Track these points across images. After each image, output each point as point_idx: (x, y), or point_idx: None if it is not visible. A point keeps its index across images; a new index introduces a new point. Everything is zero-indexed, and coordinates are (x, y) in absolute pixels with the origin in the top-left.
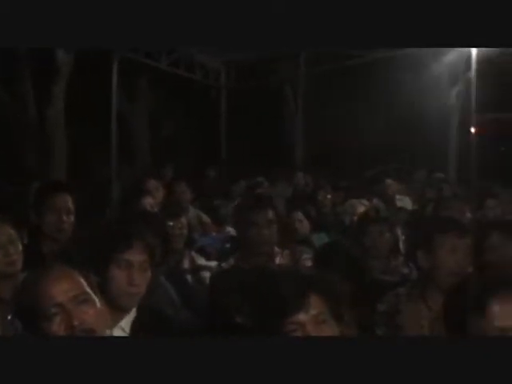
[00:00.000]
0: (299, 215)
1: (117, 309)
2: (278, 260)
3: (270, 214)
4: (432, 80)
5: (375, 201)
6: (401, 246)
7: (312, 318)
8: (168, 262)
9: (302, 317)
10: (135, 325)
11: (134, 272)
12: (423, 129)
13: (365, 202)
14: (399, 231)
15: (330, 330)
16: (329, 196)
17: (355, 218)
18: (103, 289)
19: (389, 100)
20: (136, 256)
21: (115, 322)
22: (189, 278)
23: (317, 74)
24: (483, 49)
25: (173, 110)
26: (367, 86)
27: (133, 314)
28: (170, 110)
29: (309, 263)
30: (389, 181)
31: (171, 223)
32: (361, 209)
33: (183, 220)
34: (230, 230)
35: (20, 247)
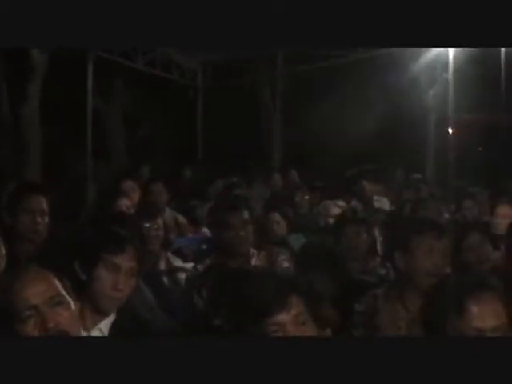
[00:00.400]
0: (276, 216)
1: (96, 311)
2: (254, 261)
3: (246, 214)
4: (410, 80)
5: (353, 202)
6: (378, 246)
7: (292, 319)
8: (144, 264)
9: (282, 317)
10: (114, 327)
11: (120, 277)
12: (401, 129)
13: (340, 202)
14: (377, 232)
15: (310, 330)
16: (306, 197)
17: (329, 219)
18: (86, 288)
19: (366, 101)
20: (126, 261)
21: (94, 323)
22: (165, 279)
23: (295, 74)
24: (460, 49)
25: (149, 109)
26: (345, 86)
27: (112, 316)
28: (147, 110)
29: (285, 264)
30: (365, 182)
31: (147, 224)
32: (335, 210)
33: (159, 221)
34: (207, 231)
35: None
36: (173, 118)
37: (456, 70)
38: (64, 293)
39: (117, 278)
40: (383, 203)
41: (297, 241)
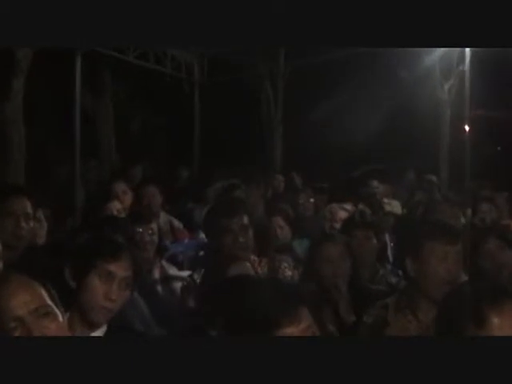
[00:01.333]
0: (279, 220)
1: (86, 322)
2: (255, 269)
3: (245, 219)
4: (423, 73)
5: (361, 205)
6: (389, 253)
7: (302, 332)
8: (138, 273)
9: (291, 330)
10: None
11: (113, 286)
12: (413, 126)
13: (348, 206)
14: (387, 237)
15: None
16: (311, 200)
17: (336, 223)
18: (76, 298)
19: (375, 96)
20: (121, 270)
21: (83, 335)
22: (159, 289)
23: (297, 69)
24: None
25: (141, 106)
26: (352, 80)
27: (103, 328)
28: (139, 107)
29: (289, 272)
30: (375, 183)
31: (140, 229)
32: (342, 214)
33: (153, 226)
34: (204, 237)
35: None
36: (168, 114)
37: (474, 62)
38: (51, 303)
39: (110, 287)
40: (394, 206)
41: (301, 247)
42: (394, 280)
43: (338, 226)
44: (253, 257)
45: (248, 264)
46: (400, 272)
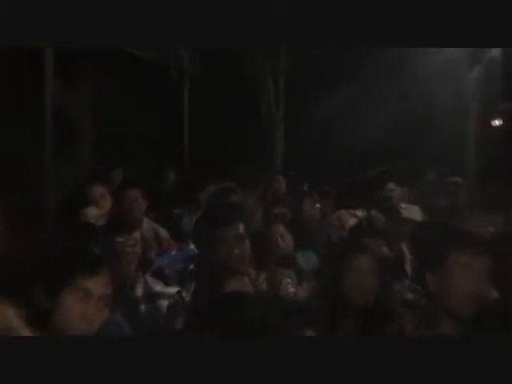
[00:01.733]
0: (280, 229)
1: None
2: (253, 285)
3: (241, 227)
4: (446, 61)
5: (374, 211)
6: (407, 266)
7: None
8: (118, 289)
9: None
10: None
11: (91, 305)
12: (434, 121)
13: (358, 212)
14: (405, 248)
15: None
16: (317, 205)
17: (345, 232)
18: (48, 317)
19: (389, 87)
20: (99, 287)
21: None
22: (143, 307)
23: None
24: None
25: (123, 98)
26: (362, 71)
27: None
28: (119, 99)
29: (291, 289)
30: (391, 185)
31: (121, 239)
32: (352, 221)
33: (136, 235)
34: (194, 248)
35: None
36: (153, 109)
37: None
38: (18, 324)
39: (86, 306)
40: (412, 212)
41: (305, 259)
42: (411, 296)
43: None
44: (251, 270)
45: (247, 279)
46: (419, 288)
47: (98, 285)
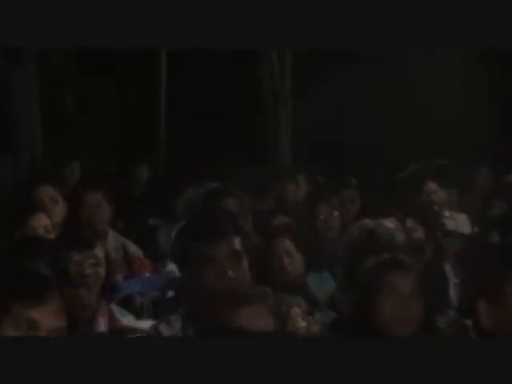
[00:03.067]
0: (287, 244)
1: None
2: (252, 317)
3: (238, 242)
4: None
5: (410, 221)
6: (451, 292)
7: None
8: (73, 322)
9: None
10: None
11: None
12: (486, 106)
13: (389, 223)
14: (448, 270)
15: None
16: (335, 213)
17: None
18: None
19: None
20: (48, 318)
21: None
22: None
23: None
24: None
25: (78, 75)
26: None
27: None
28: (74, 76)
29: (302, 323)
30: (432, 186)
31: (78, 257)
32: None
33: (98, 252)
34: (174, 269)
35: None
36: (119, 87)
37: None
38: None
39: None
40: (460, 222)
41: (319, 283)
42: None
43: None
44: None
45: (263, 308)
46: (468, 321)
47: (46, 315)
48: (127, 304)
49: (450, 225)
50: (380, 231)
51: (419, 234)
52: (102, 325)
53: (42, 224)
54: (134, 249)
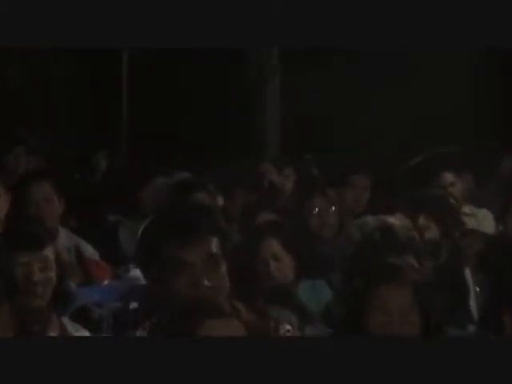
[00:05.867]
0: (273, 245)
1: None
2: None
3: (214, 244)
4: None
5: (422, 219)
6: (471, 302)
7: None
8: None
9: None
10: None
11: None
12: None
13: (394, 219)
14: (468, 276)
15: None
16: (332, 208)
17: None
18: None
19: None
20: None
21: None
22: None
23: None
24: None
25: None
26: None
27: None
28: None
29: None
30: (449, 177)
31: (24, 259)
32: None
33: (48, 253)
34: (138, 275)
35: None
36: (74, 59)
37: None
38: None
39: None
40: (481, 219)
41: (312, 293)
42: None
43: None
44: (228, 308)
45: (236, 322)
46: (491, 334)
47: None
48: (83, 317)
49: (469, 222)
50: (395, 230)
51: (433, 233)
52: None
53: None
54: (90, 250)
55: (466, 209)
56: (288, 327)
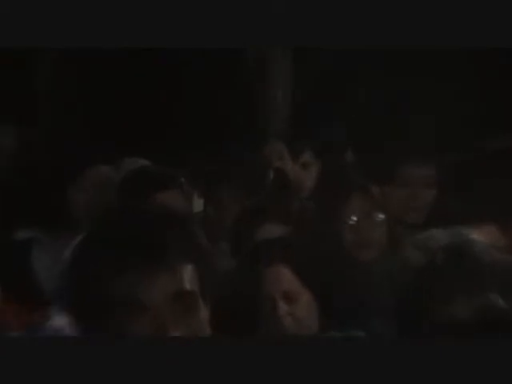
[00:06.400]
0: (284, 276)
1: None
2: None
3: (187, 275)
4: None
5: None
6: None
7: None
8: None
9: None
10: None
11: None
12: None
13: (482, 234)
14: None
15: None
16: (380, 215)
17: None
18: None
19: None
20: None
21: None
22: None
23: None
24: None
25: None
26: None
27: None
28: None
29: None
30: None
31: None
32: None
33: None
34: (65, 324)
35: None
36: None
37: None
38: None
39: None
40: None
41: None
42: None
43: None
44: None
45: None
46: None
47: None
48: None
49: None
50: (480, 252)
51: None
52: None
53: None
54: None
55: None
56: None
